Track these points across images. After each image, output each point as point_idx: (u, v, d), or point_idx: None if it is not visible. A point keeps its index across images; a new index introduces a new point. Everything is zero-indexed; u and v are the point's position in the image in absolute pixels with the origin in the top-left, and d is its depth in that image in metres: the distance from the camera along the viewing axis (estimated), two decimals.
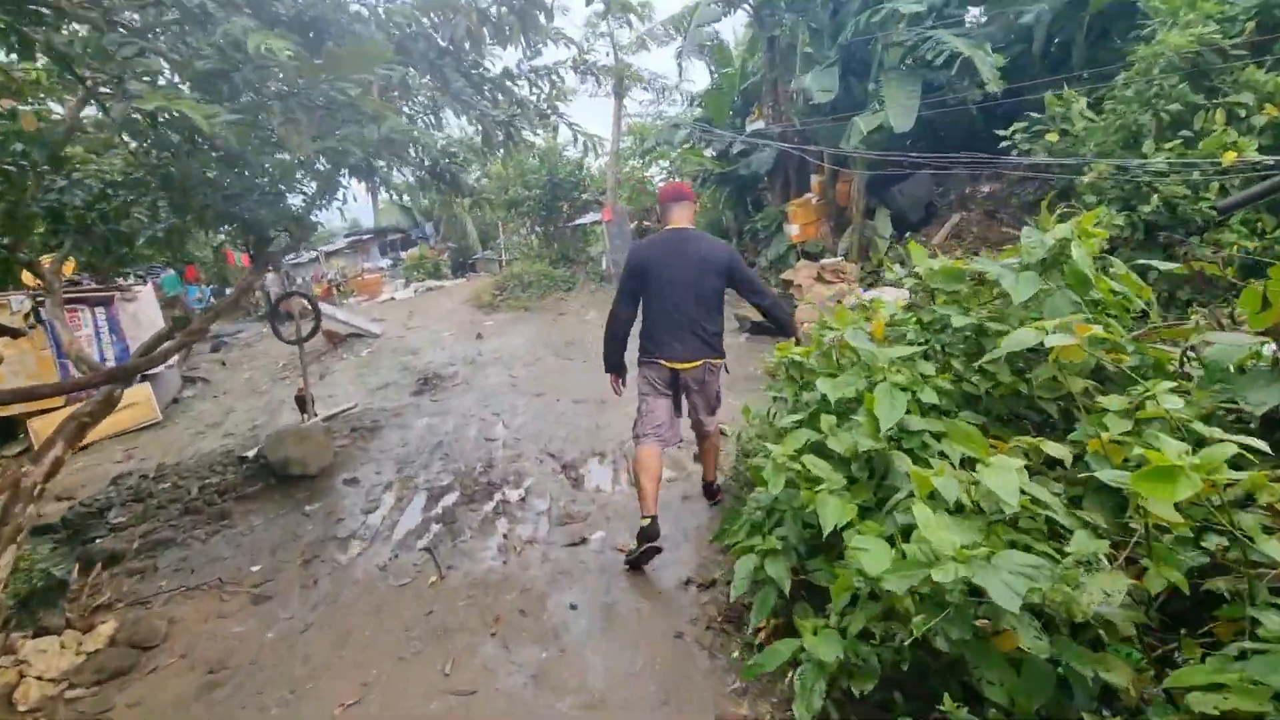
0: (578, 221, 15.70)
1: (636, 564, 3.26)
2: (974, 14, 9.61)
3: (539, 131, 5.08)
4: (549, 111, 4.88)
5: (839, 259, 9.33)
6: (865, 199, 9.06)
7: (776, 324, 3.88)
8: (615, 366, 3.52)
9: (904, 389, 2.35)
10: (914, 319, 2.98)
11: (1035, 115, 7.35)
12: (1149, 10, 6.58)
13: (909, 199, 8.78)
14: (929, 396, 2.35)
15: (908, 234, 9.19)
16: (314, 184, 5.14)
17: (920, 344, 2.77)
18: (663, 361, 3.29)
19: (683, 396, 3.47)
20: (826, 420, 2.51)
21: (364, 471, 5.10)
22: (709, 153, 11.55)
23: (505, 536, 3.82)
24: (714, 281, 3.31)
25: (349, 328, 11.33)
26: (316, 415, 6.51)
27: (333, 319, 11.20)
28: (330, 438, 5.36)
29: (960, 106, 8.53)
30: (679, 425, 3.50)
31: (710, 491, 3.93)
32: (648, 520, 3.13)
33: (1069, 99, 6.40)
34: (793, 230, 10.02)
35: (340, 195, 6.05)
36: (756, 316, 8.37)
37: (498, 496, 4.39)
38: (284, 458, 4.90)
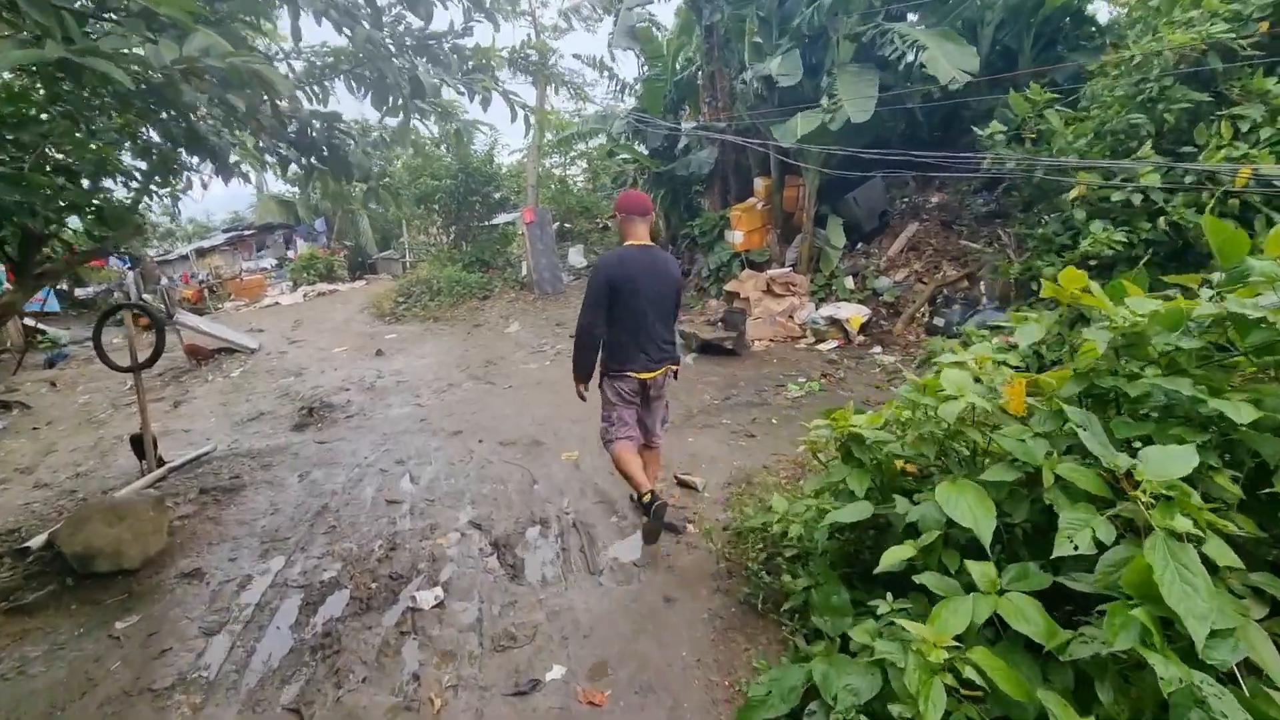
0: (494, 220, 14.35)
1: (654, 533, 3.47)
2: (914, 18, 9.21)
3: (463, 92, 3.89)
4: (480, 77, 3.75)
5: (788, 270, 8.61)
6: (816, 205, 8.37)
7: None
8: (587, 375, 3.64)
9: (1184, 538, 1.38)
10: (1081, 385, 2.02)
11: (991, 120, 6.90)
12: (1116, 21, 6.26)
13: (865, 207, 8.18)
14: (1220, 553, 1.41)
15: (860, 244, 8.60)
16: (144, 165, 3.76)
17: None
18: (632, 373, 3.48)
19: (643, 403, 3.66)
20: (983, 575, 1.55)
21: (212, 558, 3.72)
22: (642, 149, 10.61)
23: (416, 678, 2.63)
24: (674, 297, 3.59)
25: (217, 341, 9.52)
26: (161, 462, 5.00)
27: (196, 330, 9.37)
28: (164, 511, 3.91)
29: (909, 107, 8.02)
30: (637, 427, 3.68)
31: (657, 510, 3.57)
32: (648, 495, 3.36)
33: (1037, 97, 5.89)
34: (736, 238, 9.23)
35: (187, 181, 4.63)
36: (705, 334, 7.50)
37: (404, 600, 3.18)
38: (87, 548, 3.45)
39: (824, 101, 7.09)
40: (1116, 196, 5.12)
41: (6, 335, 15.46)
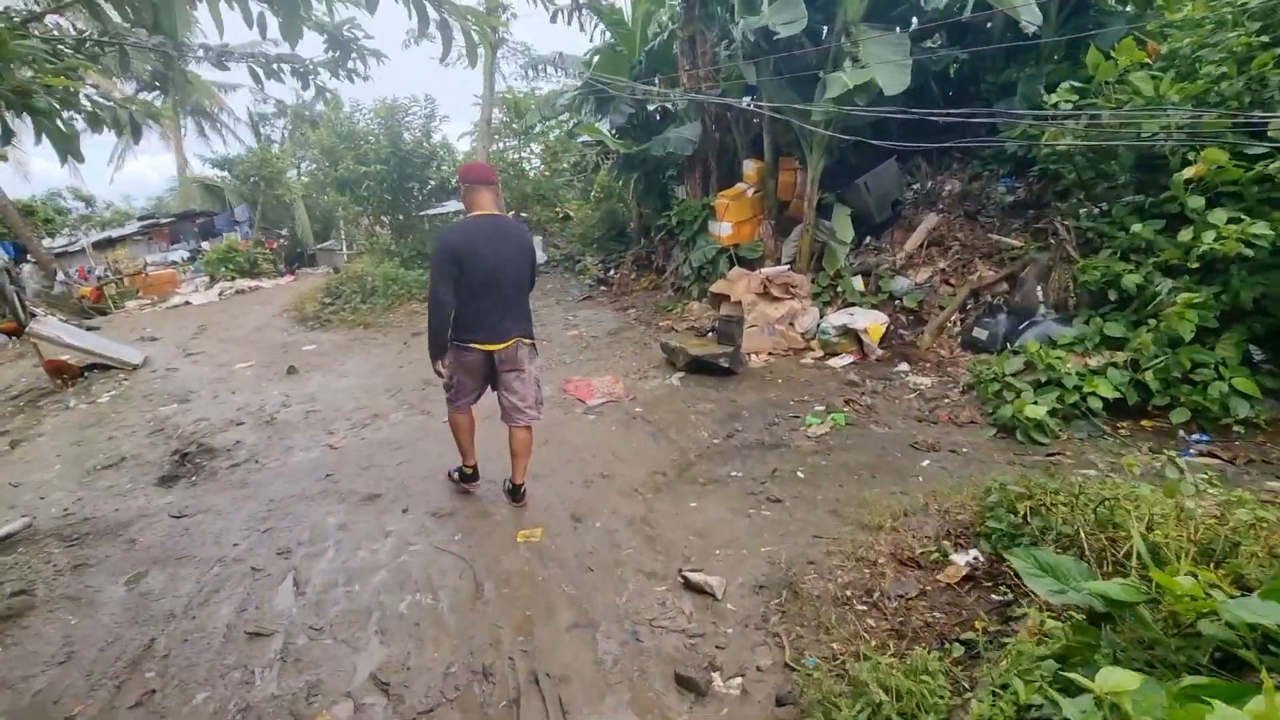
0: (435, 210, 12.75)
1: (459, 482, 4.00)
2: None
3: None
4: None
5: (785, 268, 7.37)
6: (819, 192, 7.14)
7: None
8: (443, 352, 3.58)
9: None
10: None
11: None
12: None
13: (876, 194, 6.98)
14: None
15: (868, 238, 7.42)
16: None
17: None
18: (476, 345, 3.48)
19: (497, 381, 3.68)
20: None
21: None
22: (607, 127, 9.21)
23: None
24: (525, 267, 3.60)
25: (87, 355, 7.77)
26: None
27: (58, 343, 7.61)
28: None
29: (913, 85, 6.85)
30: (480, 394, 3.75)
31: (516, 494, 3.86)
32: (470, 468, 3.94)
33: (1129, 56, 4.72)
34: (722, 230, 7.95)
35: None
36: (695, 349, 6.19)
37: None
38: None
39: (846, 66, 5.83)
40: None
41: None
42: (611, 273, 10.47)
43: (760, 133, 8.12)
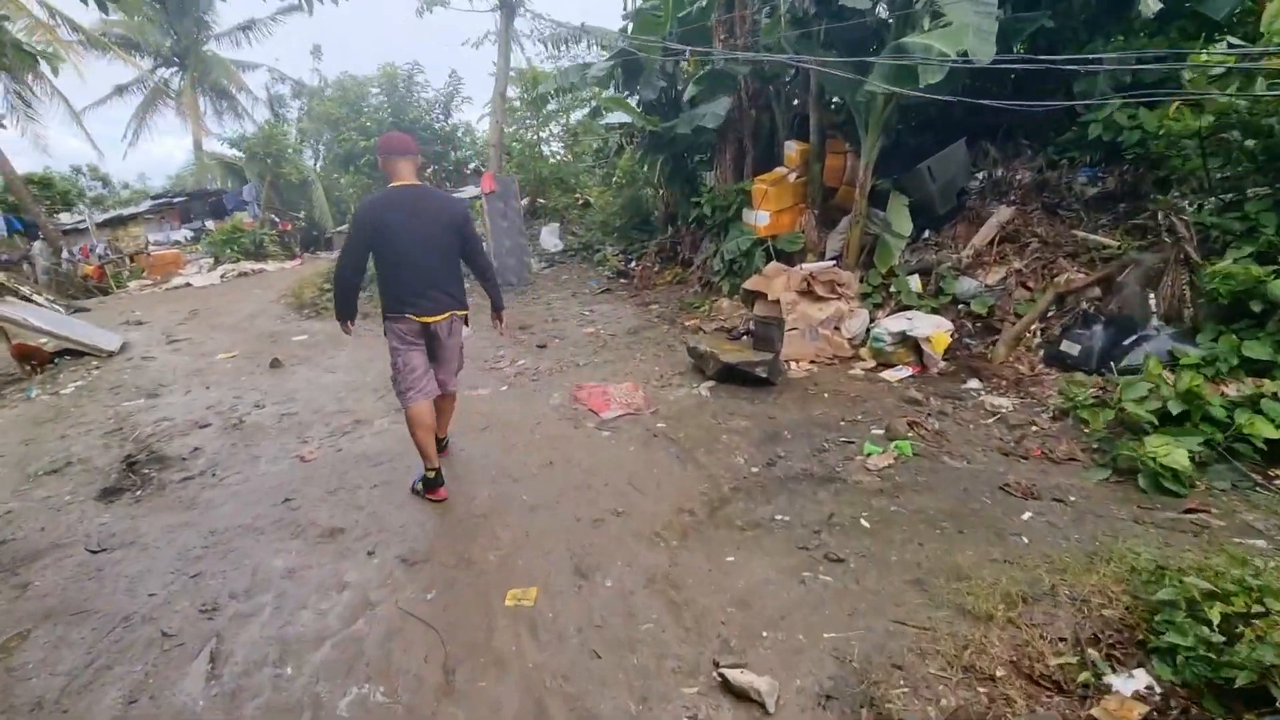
0: (459, 193, 12.02)
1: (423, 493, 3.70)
2: None
3: None
4: None
5: (830, 264, 6.52)
6: (872, 178, 6.28)
7: (489, 291, 3.98)
8: (349, 315, 3.63)
9: None
10: None
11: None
12: None
13: (941, 181, 6.11)
14: None
15: (927, 232, 6.55)
16: None
17: None
18: (412, 316, 3.44)
19: (433, 350, 3.65)
20: None
21: None
22: (635, 104, 8.40)
23: None
24: (452, 238, 3.50)
25: (59, 340, 7.15)
26: None
27: (25, 325, 6.99)
28: None
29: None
30: (433, 376, 3.64)
31: (439, 446, 3.97)
32: (433, 472, 3.64)
33: None
34: (759, 219, 7.12)
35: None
36: (728, 355, 5.39)
37: None
38: None
39: (925, 27, 4.98)
40: None
41: None
42: (633, 264, 9.68)
43: (803, 111, 7.27)
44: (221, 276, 13.75)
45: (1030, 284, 5.57)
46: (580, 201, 12.23)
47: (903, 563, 2.87)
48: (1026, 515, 3.19)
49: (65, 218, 21.02)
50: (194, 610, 2.74)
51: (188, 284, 13.56)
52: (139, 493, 4.13)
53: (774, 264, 6.84)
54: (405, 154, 3.45)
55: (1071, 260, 5.48)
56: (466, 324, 3.79)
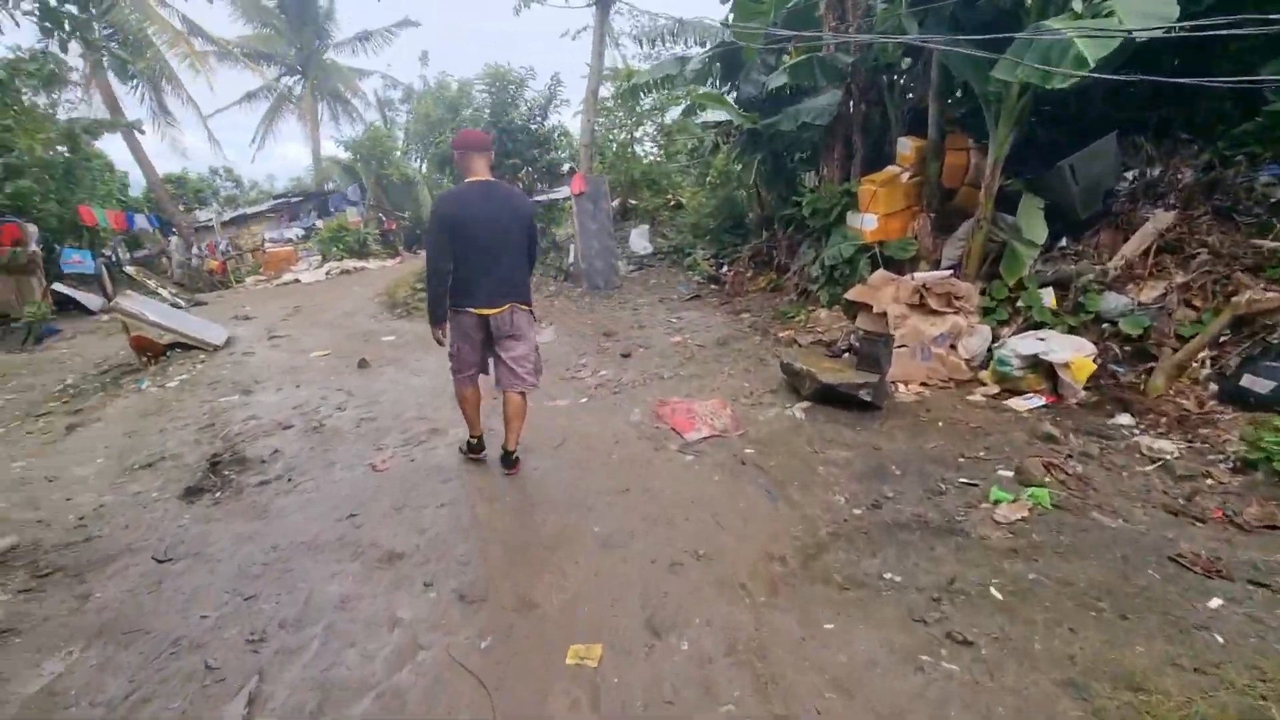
0: (546, 196, 12.01)
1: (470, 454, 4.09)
2: None
3: None
4: None
5: (947, 274, 5.84)
6: (1000, 178, 5.56)
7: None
8: (442, 318, 3.67)
9: None
10: None
11: None
12: None
13: (1086, 182, 5.32)
14: None
15: (1064, 240, 5.74)
16: None
17: None
18: (473, 310, 3.53)
19: (494, 347, 3.71)
20: None
21: None
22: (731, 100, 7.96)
23: None
24: (520, 233, 3.60)
25: (170, 334, 7.54)
26: None
27: (142, 319, 7.40)
28: None
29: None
30: (480, 367, 3.83)
31: (509, 461, 3.94)
32: (476, 439, 4.05)
33: None
34: (866, 223, 6.52)
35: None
36: (827, 374, 4.87)
37: None
38: None
39: (1076, 6, 4.29)
40: None
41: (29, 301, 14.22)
42: (724, 269, 9.24)
43: (919, 104, 6.60)
44: (327, 273, 14.40)
45: (1197, 302, 4.71)
46: (671, 203, 11.88)
47: (1050, 654, 2.32)
48: (1215, 602, 2.54)
49: (201, 215, 22.85)
50: (241, 640, 2.58)
51: (296, 280, 14.28)
52: (218, 494, 4.13)
53: (881, 273, 6.22)
54: (481, 150, 3.58)
55: (1253, 275, 4.58)
56: (534, 317, 3.84)
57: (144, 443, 5.20)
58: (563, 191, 15.94)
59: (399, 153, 17.33)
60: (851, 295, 6.16)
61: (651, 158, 11.33)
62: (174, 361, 7.38)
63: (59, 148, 19.85)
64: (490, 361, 3.86)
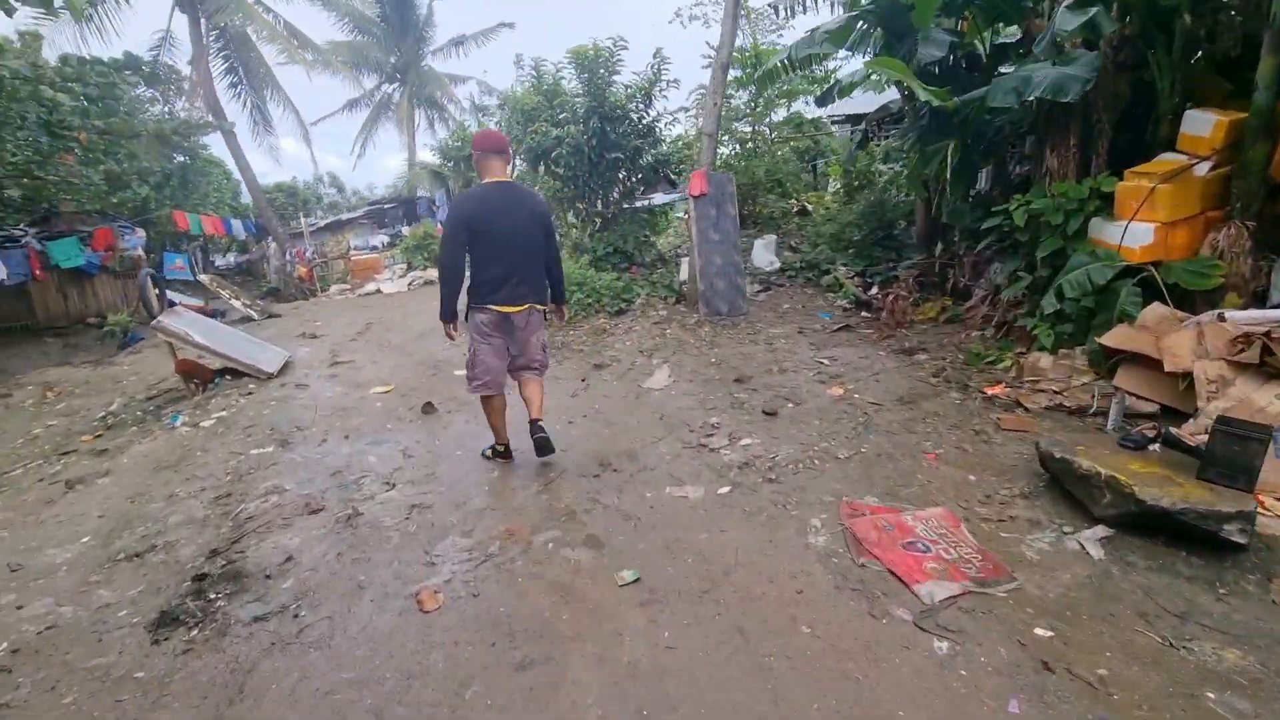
0: (648, 200, 10.50)
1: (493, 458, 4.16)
2: None
3: None
4: None
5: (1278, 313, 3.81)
6: None
7: (554, 283, 4.04)
8: (453, 314, 3.78)
9: None
10: None
11: None
12: None
13: None
14: None
15: None
16: None
17: None
18: (493, 307, 3.66)
19: (511, 340, 3.81)
20: None
21: None
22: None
23: None
24: (538, 234, 3.75)
25: (221, 359, 6.47)
26: None
27: (186, 340, 6.35)
28: None
29: None
30: (504, 371, 3.88)
31: (538, 430, 3.88)
32: (503, 445, 4.10)
33: None
34: (1132, 236, 4.54)
35: None
36: (1141, 484, 2.97)
37: None
38: None
39: None
40: None
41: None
42: (874, 291, 7.38)
43: (1207, 61, 4.55)
44: (409, 284, 13.48)
45: None
46: (795, 208, 10.10)
47: None
48: None
49: (303, 221, 22.93)
50: None
51: (378, 290, 13.45)
52: (194, 632, 2.76)
53: (1160, 309, 4.26)
54: (499, 152, 3.71)
55: None
56: (546, 318, 3.97)
57: (144, 513, 4.00)
58: (659, 196, 14.38)
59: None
60: (1113, 341, 4.23)
61: (778, 155, 9.54)
62: (221, 390, 6.30)
63: (178, 156, 20.43)
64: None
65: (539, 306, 3.85)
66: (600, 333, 6.76)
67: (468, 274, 3.68)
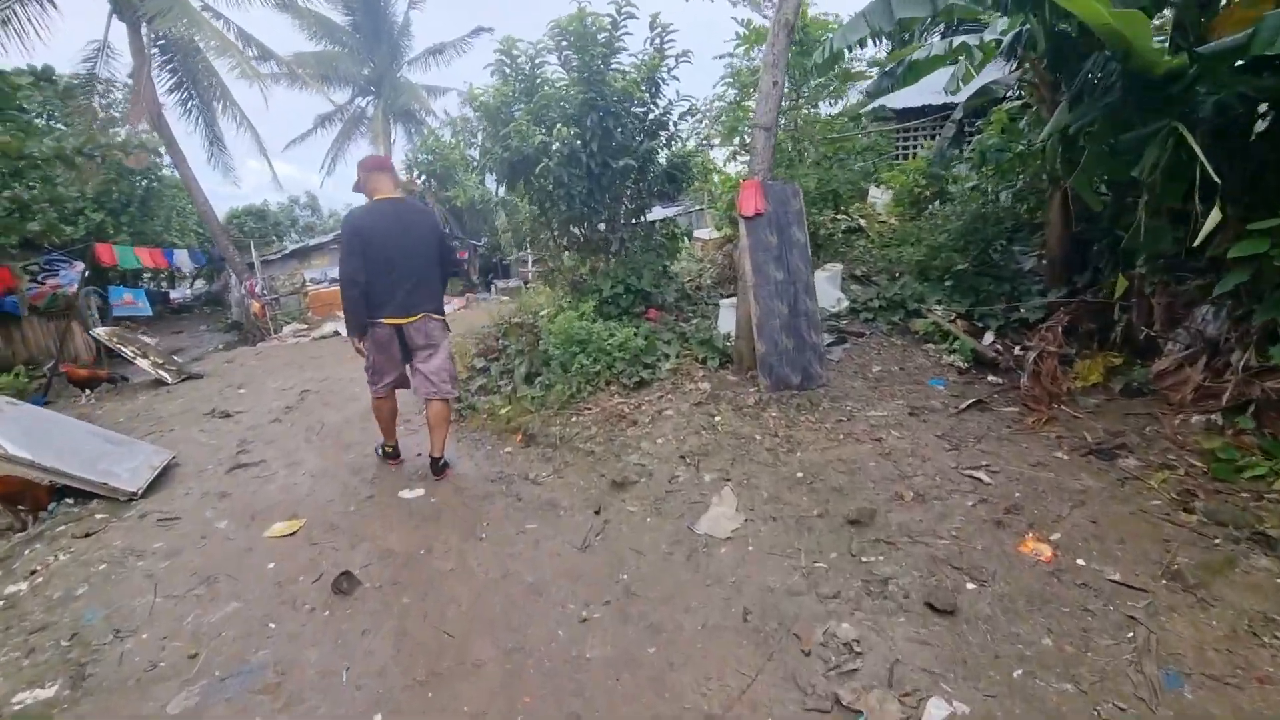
0: (665, 212, 8.54)
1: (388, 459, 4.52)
2: None
3: None
4: None
5: None
6: None
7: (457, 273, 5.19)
8: (362, 328, 3.91)
9: None
10: None
11: None
12: None
13: None
14: None
15: None
16: None
17: None
18: (385, 320, 3.85)
19: (411, 358, 4.07)
20: None
21: None
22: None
23: None
24: (429, 246, 3.97)
25: (52, 475, 4.35)
26: None
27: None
28: None
29: None
30: (400, 377, 4.16)
31: (437, 468, 4.25)
32: (391, 447, 4.51)
33: None
34: None
35: None
36: None
37: None
38: None
39: None
40: None
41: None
42: (990, 340, 5.36)
43: None
44: None
45: None
46: (853, 223, 8.08)
47: None
48: None
49: (264, 250, 20.84)
50: None
51: (336, 333, 11.35)
52: None
53: None
54: (384, 169, 4.05)
55: None
56: (446, 327, 4.13)
57: None
58: (667, 209, 12.38)
59: (469, 169, 14.34)
60: None
61: (834, 156, 7.49)
62: (54, 523, 4.20)
63: (140, 179, 18.38)
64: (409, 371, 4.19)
65: (435, 316, 4.01)
66: (616, 419, 4.67)
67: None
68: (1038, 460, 3.76)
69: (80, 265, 14.39)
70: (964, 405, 4.51)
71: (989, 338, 5.48)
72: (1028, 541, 3.00)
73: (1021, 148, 6.17)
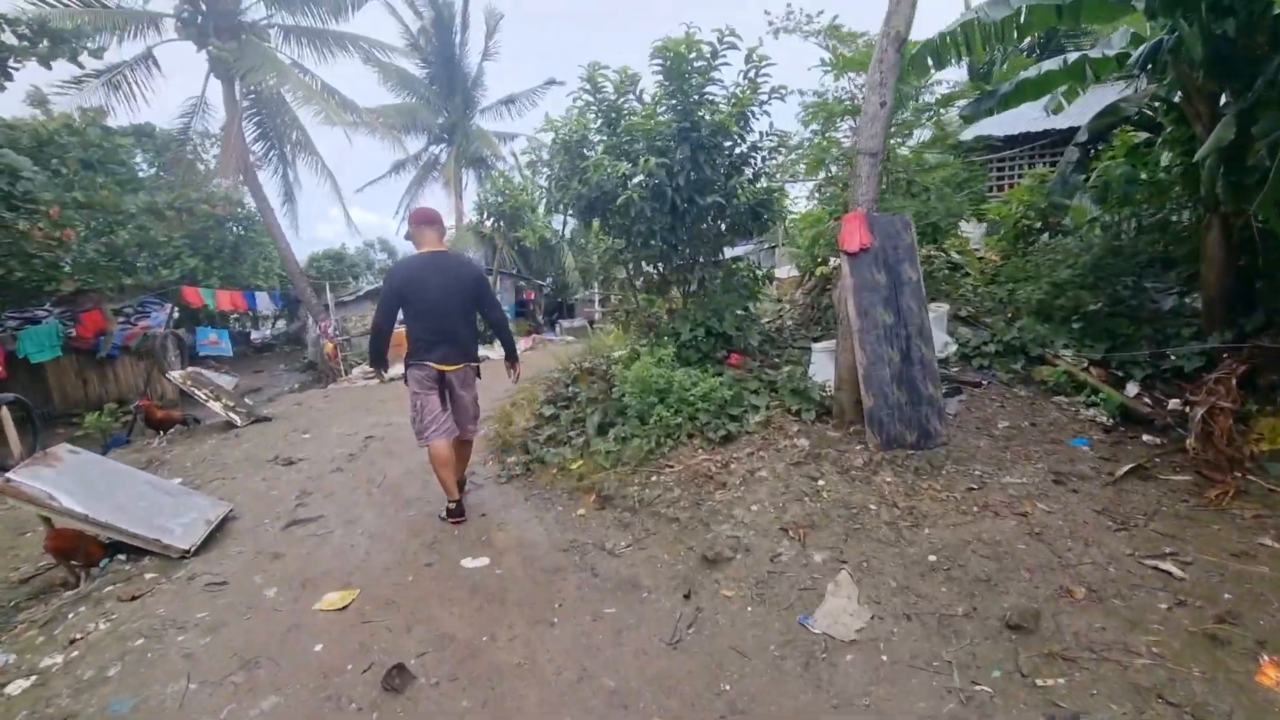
0: (735, 250, 8.06)
1: (452, 515, 4.37)
2: None
3: None
4: None
5: None
6: None
7: (503, 343, 4.69)
8: (383, 364, 4.53)
9: None
10: None
11: None
12: None
13: None
14: None
15: None
16: None
17: None
18: (431, 364, 4.13)
19: (447, 395, 4.30)
20: None
21: None
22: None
23: None
24: (469, 298, 4.23)
25: (105, 529, 4.13)
26: None
27: (50, 505, 4.07)
28: None
29: None
30: (451, 418, 4.29)
31: (463, 485, 4.63)
32: (454, 504, 4.33)
33: None
34: None
35: None
36: None
37: None
38: None
39: None
40: None
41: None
42: (1133, 391, 4.58)
43: None
44: None
45: None
46: (944, 262, 7.41)
47: None
48: None
49: (340, 292, 21.48)
50: None
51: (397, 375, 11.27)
52: None
53: None
54: (432, 224, 4.31)
55: None
56: (478, 374, 4.45)
57: None
58: (740, 247, 11.85)
59: (537, 209, 14.29)
60: None
61: (931, 186, 6.86)
62: (102, 584, 3.95)
63: (232, 225, 19.46)
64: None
65: (472, 365, 4.35)
66: (702, 480, 4.13)
67: (407, 335, 4.15)
68: (1239, 549, 3.00)
69: (170, 306, 15.05)
70: (1121, 471, 3.77)
71: (1132, 389, 4.70)
72: (1266, 669, 2.28)
73: (1156, 174, 5.43)
